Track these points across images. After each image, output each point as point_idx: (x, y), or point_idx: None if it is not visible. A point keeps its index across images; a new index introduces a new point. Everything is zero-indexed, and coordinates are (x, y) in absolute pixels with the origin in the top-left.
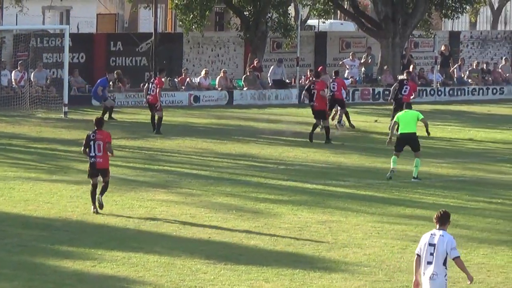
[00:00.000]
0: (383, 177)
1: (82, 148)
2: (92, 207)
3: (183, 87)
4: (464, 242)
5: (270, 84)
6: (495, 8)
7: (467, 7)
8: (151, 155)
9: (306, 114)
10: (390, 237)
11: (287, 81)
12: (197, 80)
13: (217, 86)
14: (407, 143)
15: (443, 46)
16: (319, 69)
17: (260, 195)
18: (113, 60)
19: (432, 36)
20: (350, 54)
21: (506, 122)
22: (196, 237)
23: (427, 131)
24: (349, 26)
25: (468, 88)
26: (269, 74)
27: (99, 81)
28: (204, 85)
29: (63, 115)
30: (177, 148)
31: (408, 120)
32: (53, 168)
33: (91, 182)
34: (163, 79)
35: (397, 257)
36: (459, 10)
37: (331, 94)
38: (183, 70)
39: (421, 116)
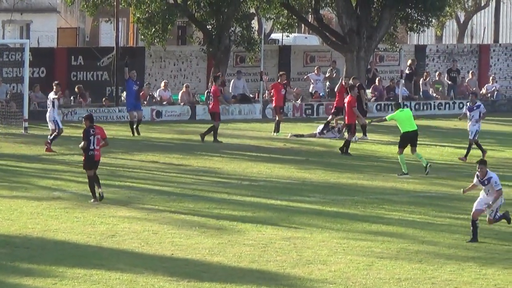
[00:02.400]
0: (348, 193)
1: (82, 143)
2: (93, 199)
3: (145, 102)
4: (431, 259)
5: (233, 99)
6: (461, 22)
7: (433, 20)
8: (113, 171)
9: (270, 129)
10: (355, 253)
11: (250, 95)
12: (157, 94)
13: (179, 101)
14: (410, 141)
15: (409, 60)
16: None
17: (224, 211)
18: (74, 75)
19: (398, 50)
20: (315, 68)
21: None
22: (159, 253)
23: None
24: (314, 40)
25: (434, 102)
26: (230, 89)
27: None
28: (164, 98)
29: (23, 131)
30: (139, 164)
31: (409, 118)
32: (13, 185)
33: (88, 174)
34: (219, 87)
35: (363, 273)
36: (425, 23)
37: None
38: (145, 84)
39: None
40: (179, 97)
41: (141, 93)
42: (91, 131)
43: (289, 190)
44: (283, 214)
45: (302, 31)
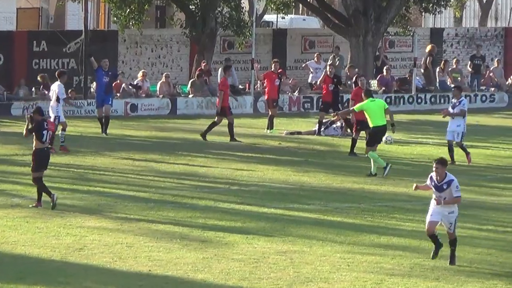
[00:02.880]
0: (353, 199)
1: (26, 131)
2: (37, 203)
3: (118, 94)
4: (450, 276)
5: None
6: (484, 1)
7: (451, 0)
8: (81, 174)
9: (262, 125)
10: (362, 270)
11: (240, 86)
12: (133, 83)
13: (158, 92)
14: (380, 137)
15: (429, 46)
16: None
17: (209, 221)
18: (36, 63)
19: (411, 34)
20: (315, 55)
21: (498, 135)
22: (134, 270)
23: (392, 123)
24: (313, 22)
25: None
26: (219, 79)
27: None
28: (143, 91)
29: None
30: (111, 166)
31: (380, 111)
32: None
33: (36, 176)
34: (229, 79)
35: None
36: (442, 3)
37: None
38: (118, 74)
39: (386, 106)
40: (158, 89)
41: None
42: (45, 125)
43: (285, 197)
44: (278, 224)
45: (300, 12)
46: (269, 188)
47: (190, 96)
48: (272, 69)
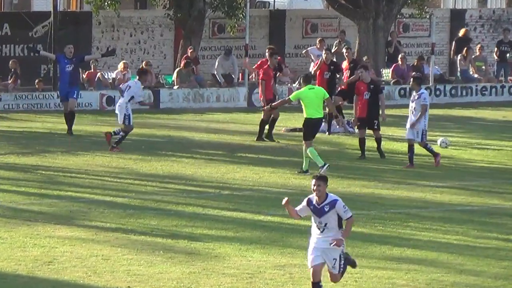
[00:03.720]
0: (362, 206)
1: None
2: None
3: (92, 87)
4: None
5: (209, 81)
6: None
7: None
8: (50, 177)
9: (257, 121)
10: (371, 286)
11: (233, 76)
12: (111, 75)
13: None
14: (316, 130)
15: (462, 30)
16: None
17: (197, 230)
18: None
19: (428, 16)
20: (317, 40)
21: None
22: (111, 286)
23: (336, 115)
24: (316, 3)
25: (476, 86)
26: (216, 71)
27: None
28: (121, 83)
29: None
30: (84, 167)
31: (319, 101)
32: None
33: None
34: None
35: None
36: None
37: None
38: (91, 62)
39: (327, 95)
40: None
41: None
42: None
43: None
44: (276, 234)
45: None
46: (265, 193)
47: (175, 87)
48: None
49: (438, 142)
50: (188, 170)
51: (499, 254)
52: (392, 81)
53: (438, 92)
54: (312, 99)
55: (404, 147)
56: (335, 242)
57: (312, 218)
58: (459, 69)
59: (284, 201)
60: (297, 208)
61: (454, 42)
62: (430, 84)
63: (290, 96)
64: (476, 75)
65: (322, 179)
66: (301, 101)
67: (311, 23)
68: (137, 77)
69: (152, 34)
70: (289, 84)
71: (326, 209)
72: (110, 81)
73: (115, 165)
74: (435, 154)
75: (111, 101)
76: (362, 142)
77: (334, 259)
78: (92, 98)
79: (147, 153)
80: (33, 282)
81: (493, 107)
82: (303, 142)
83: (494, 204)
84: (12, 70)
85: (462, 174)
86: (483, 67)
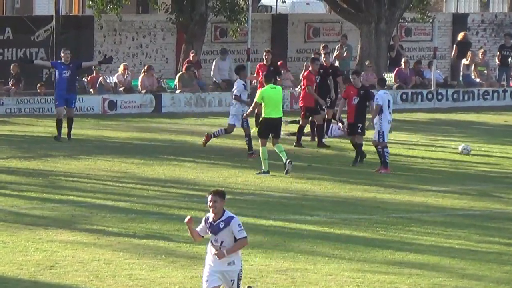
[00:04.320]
0: (364, 210)
1: None
2: None
3: (93, 90)
4: None
5: (211, 85)
6: None
7: None
8: (52, 181)
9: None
10: None
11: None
12: (113, 79)
13: (140, 87)
14: (274, 130)
15: (461, 34)
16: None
17: None
18: (0, 53)
19: (430, 21)
20: (321, 46)
21: None
22: None
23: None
24: (318, 7)
25: (478, 90)
26: (212, 72)
27: None
28: (123, 86)
29: None
30: (86, 172)
31: (279, 100)
32: None
33: None
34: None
35: None
36: None
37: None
38: (93, 66)
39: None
40: (139, 83)
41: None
42: None
43: (286, 207)
44: (278, 238)
45: None
46: (268, 197)
47: (177, 91)
48: (264, 62)
49: (460, 149)
50: (190, 174)
51: (501, 259)
52: (395, 85)
53: (440, 97)
54: (273, 98)
55: (406, 151)
56: (216, 252)
57: (210, 237)
58: (461, 73)
59: (186, 219)
60: (198, 228)
61: (454, 46)
62: (432, 89)
63: (256, 99)
64: (478, 80)
65: (218, 195)
66: (262, 100)
67: (313, 27)
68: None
69: (154, 38)
70: (291, 89)
71: (222, 226)
72: (112, 85)
73: (117, 169)
74: (383, 162)
75: (113, 105)
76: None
77: (232, 280)
78: (94, 102)
79: (149, 157)
80: (35, 287)
81: (495, 111)
82: (260, 139)
83: (496, 209)
84: (14, 74)
85: (464, 178)
86: (485, 71)
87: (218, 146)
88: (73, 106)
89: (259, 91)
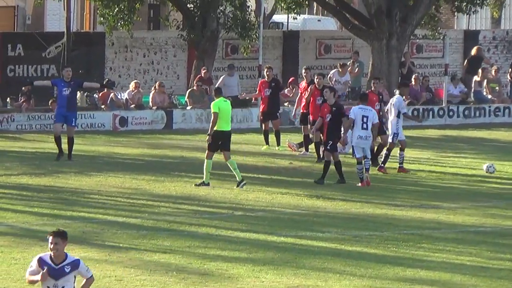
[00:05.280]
0: (375, 227)
1: None
2: None
3: (104, 106)
4: None
5: None
6: None
7: None
8: (63, 198)
9: (271, 142)
10: None
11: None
12: (124, 96)
13: (151, 104)
14: (223, 144)
15: (474, 49)
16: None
17: (210, 251)
18: (11, 69)
19: (441, 37)
20: (339, 65)
21: None
22: None
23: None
24: (329, 24)
25: (489, 107)
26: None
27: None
28: (134, 103)
29: None
30: (97, 188)
31: (229, 114)
32: None
33: None
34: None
35: None
36: (477, 2)
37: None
38: (105, 82)
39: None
40: (150, 99)
41: (100, 94)
42: None
43: (297, 223)
44: (289, 255)
45: (314, 11)
46: (279, 213)
47: (188, 108)
48: (266, 78)
49: (484, 168)
50: (201, 191)
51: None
52: (406, 102)
53: (451, 113)
54: (226, 111)
55: (417, 168)
56: None
57: (42, 283)
58: (472, 89)
59: (41, 277)
60: (29, 270)
61: (466, 61)
62: (444, 105)
63: (212, 111)
64: (490, 96)
65: (60, 236)
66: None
67: (324, 44)
68: (398, 90)
69: (166, 55)
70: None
71: (67, 270)
72: (123, 101)
73: (128, 185)
74: (361, 179)
75: (124, 121)
76: (331, 165)
77: None
78: (105, 118)
79: (160, 174)
80: None
81: (507, 128)
82: (207, 151)
83: (507, 226)
84: (25, 90)
85: (475, 195)
86: (497, 88)
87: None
88: (72, 124)
89: (213, 103)
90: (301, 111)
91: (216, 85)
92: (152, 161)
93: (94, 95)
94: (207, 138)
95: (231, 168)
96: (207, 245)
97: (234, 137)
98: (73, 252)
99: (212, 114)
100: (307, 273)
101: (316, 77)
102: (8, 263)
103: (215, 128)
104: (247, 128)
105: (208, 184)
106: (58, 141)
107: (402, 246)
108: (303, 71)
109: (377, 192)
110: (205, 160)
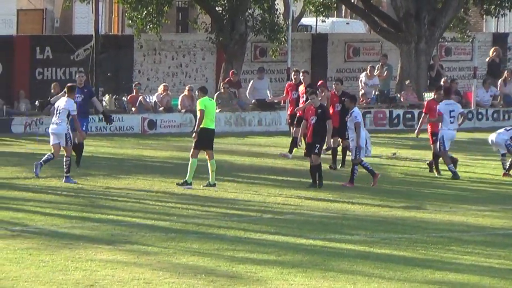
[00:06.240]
0: (404, 230)
1: None
2: None
3: (133, 109)
4: None
5: (250, 105)
6: None
7: None
8: (92, 200)
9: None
10: None
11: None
12: (152, 99)
13: (179, 107)
14: (208, 142)
15: (492, 50)
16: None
17: (239, 253)
18: (40, 72)
19: (470, 40)
20: (368, 67)
21: None
22: None
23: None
24: (358, 27)
25: None
26: (248, 92)
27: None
28: (162, 106)
29: None
30: (126, 191)
31: (214, 113)
32: None
33: None
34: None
35: None
36: (506, 5)
37: None
38: (134, 85)
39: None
40: (179, 102)
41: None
42: None
43: (325, 226)
44: (318, 257)
45: (343, 14)
46: (307, 216)
47: (217, 111)
48: (293, 81)
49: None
50: (230, 193)
51: None
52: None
53: (480, 116)
54: (211, 110)
55: (446, 171)
56: None
57: None
58: (499, 92)
59: None
60: None
61: (487, 65)
62: (472, 108)
63: (199, 108)
64: None
65: None
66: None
67: (353, 47)
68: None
69: (194, 58)
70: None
71: None
72: (152, 104)
73: (156, 188)
74: (351, 179)
75: (152, 124)
76: (314, 169)
77: None
78: (133, 121)
79: None
80: None
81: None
82: (192, 149)
83: None
84: (55, 93)
85: (504, 198)
86: None
87: (257, 165)
88: (83, 128)
89: (199, 101)
90: (289, 113)
91: (248, 89)
92: (181, 164)
93: (123, 98)
94: (193, 135)
95: (210, 169)
96: (236, 247)
97: (263, 140)
98: (102, 254)
99: (199, 112)
100: (336, 276)
101: (334, 83)
102: (37, 265)
103: (202, 125)
104: (276, 131)
105: (190, 184)
106: (75, 149)
107: (431, 248)
108: (301, 74)
109: (406, 195)
110: (190, 159)
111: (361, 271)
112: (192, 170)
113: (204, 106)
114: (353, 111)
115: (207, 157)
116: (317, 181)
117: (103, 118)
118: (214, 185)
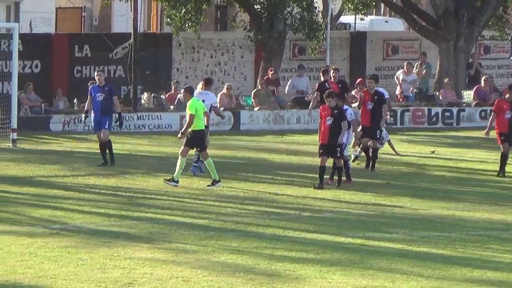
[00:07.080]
0: (443, 228)
1: None
2: None
3: (172, 107)
4: None
5: (289, 102)
6: None
7: None
8: (130, 198)
9: None
10: None
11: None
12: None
13: (218, 105)
14: (198, 143)
15: None
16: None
17: (277, 251)
18: (78, 70)
19: (509, 38)
20: (405, 64)
21: None
22: None
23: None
24: (397, 25)
25: None
26: (287, 89)
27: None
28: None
29: (10, 144)
30: (164, 189)
31: (202, 112)
32: None
33: None
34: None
35: None
36: None
37: None
38: (172, 83)
39: (205, 108)
40: (218, 100)
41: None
42: None
43: (364, 224)
44: (356, 255)
45: (382, 12)
46: (346, 214)
47: (256, 109)
48: (332, 79)
49: None
50: (269, 191)
51: None
52: (473, 103)
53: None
54: (200, 111)
55: (485, 168)
56: None
57: None
58: None
59: None
60: None
61: None
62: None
63: (190, 112)
64: None
65: None
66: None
67: (392, 45)
68: None
69: (233, 56)
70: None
71: None
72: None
73: (195, 186)
74: (347, 176)
75: None
76: (322, 170)
77: None
78: (172, 119)
79: (227, 175)
80: None
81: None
82: (183, 146)
83: None
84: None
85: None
86: None
87: (296, 163)
88: (106, 126)
89: (189, 104)
90: None
91: (287, 87)
92: (219, 162)
93: (161, 96)
94: (179, 136)
95: (209, 169)
96: (275, 246)
97: (301, 138)
98: (140, 252)
99: (189, 116)
100: (375, 274)
101: (367, 81)
102: (75, 263)
103: (193, 128)
104: (314, 129)
105: (177, 182)
106: (102, 148)
107: (470, 247)
108: (332, 71)
109: (444, 193)
110: (179, 157)
111: (399, 269)
112: (181, 168)
113: (194, 110)
114: (346, 109)
115: (202, 157)
116: (339, 179)
117: (117, 118)
118: (218, 181)
